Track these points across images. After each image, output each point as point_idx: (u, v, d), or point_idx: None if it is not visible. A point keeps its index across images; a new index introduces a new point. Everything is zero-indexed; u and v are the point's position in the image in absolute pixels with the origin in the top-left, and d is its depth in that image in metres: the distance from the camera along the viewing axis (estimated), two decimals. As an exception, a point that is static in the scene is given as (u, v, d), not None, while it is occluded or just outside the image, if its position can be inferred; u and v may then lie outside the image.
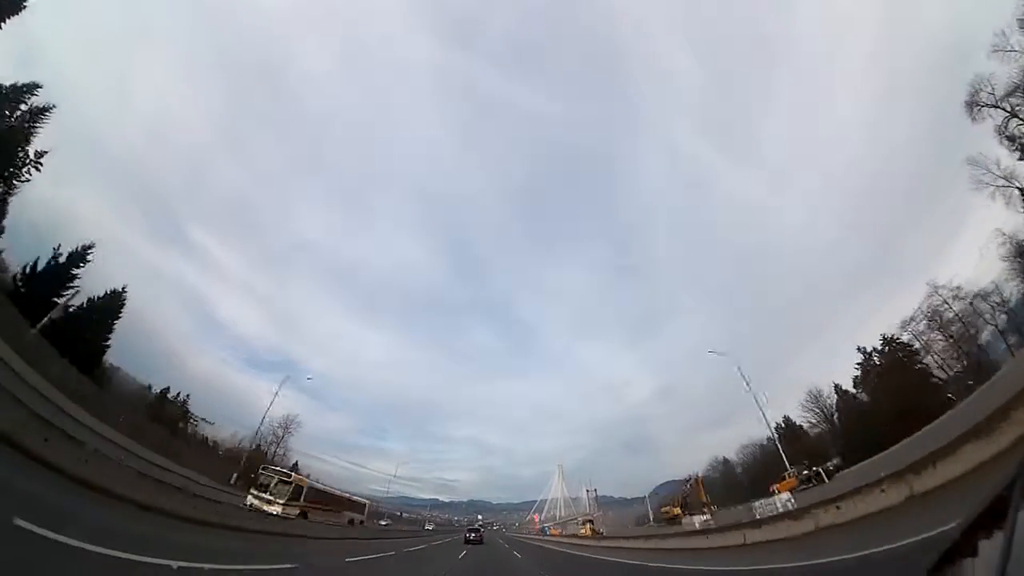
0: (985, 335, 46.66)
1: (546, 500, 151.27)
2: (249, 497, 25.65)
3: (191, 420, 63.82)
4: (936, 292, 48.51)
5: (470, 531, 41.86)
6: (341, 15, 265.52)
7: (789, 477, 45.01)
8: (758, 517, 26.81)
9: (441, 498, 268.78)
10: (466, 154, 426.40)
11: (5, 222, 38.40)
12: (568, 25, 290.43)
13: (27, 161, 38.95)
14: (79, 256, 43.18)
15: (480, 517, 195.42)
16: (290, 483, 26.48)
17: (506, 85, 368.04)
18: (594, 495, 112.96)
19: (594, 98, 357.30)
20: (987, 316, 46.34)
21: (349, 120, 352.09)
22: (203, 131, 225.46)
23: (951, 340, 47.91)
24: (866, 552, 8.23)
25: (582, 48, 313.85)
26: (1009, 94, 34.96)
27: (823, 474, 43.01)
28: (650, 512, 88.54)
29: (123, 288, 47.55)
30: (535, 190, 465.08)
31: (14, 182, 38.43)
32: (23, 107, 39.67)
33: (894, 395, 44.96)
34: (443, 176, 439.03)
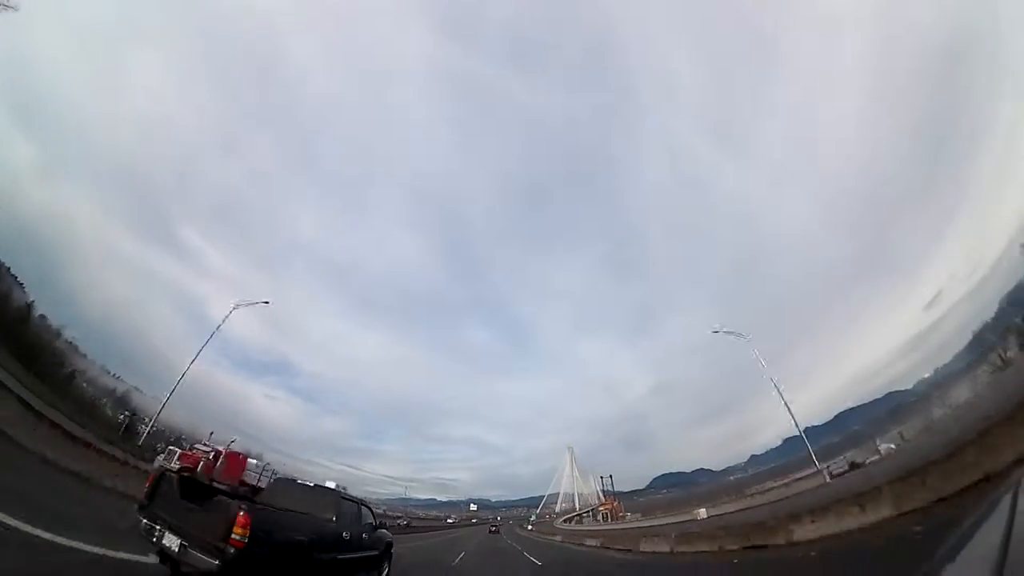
0: None
1: (556, 494, 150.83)
2: None
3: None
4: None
5: (492, 525, 78.36)
6: (337, 9, 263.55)
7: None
8: None
9: (439, 498, 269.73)
10: (465, 151, 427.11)
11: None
12: (568, 22, 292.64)
13: None
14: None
15: (474, 507, 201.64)
16: None
17: (505, 81, 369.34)
18: (610, 483, 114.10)
19: (594, 95, 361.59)
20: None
21: (346, 117, 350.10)
22: (195, 129, 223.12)
23: None
24: None
25: (582, 45, 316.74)
26: None
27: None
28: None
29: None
30: (534, 187, 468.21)
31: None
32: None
33: None
34: (441, 174, 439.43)
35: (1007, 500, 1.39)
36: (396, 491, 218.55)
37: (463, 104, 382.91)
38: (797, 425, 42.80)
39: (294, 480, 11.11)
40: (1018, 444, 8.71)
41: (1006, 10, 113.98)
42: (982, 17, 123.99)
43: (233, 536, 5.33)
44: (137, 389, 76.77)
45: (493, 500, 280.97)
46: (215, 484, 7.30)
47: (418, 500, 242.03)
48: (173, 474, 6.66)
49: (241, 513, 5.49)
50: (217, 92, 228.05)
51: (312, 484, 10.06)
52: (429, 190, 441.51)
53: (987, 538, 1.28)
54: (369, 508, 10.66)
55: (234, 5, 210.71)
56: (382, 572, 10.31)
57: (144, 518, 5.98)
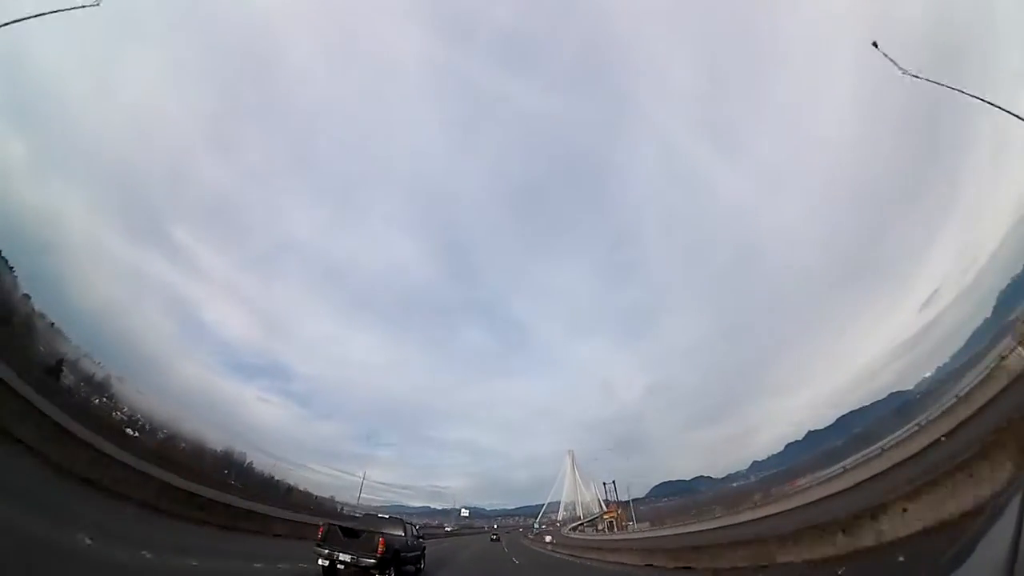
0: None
1: (556, 502, 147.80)
2: None
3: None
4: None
5: (494, 534, 79.78)
6: (333, 6, 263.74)
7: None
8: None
9: (433, 505, 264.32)
10: (462, 153, 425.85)
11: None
12: (565, 22, 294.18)
13: None
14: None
15: (466, 512, 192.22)
16: None
17: (502, 81, 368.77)
18: (612, 490, 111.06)
19: (590, 96, 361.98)
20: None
21: (341, 116, 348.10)
22: (188, 126, 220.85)
23: None
24: None
25: (578, 46, 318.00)
26: None
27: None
28: None
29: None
30: (531, 189, 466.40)
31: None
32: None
33: None
34: (438, 175, 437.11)
35: (1016, 503, 1.29)
36: (391, 497, 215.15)
37: (460, 104, 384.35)
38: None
39: (375, 514, 19.46)
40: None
41: (1000, 11, 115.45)
42: (976, 17, 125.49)
43: (379, 548, 12.47)
44: (120, 379, 75.07)
45: (488, 509, 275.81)
46: (361, 528, 14.15)
47: (412, 508, 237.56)
48: (335, 524, 13.79)
49: (381, 539, 12.82)
50: (211, 89, 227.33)
51: (387, 516, 18.63)
52: (425, 191, 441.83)
53: (996, 543, 1.21)
54: (414, 526, 19.25)
55: (229, 1, 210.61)
56: (421, 563, 17.70)
57: (325, 548, 12.45)
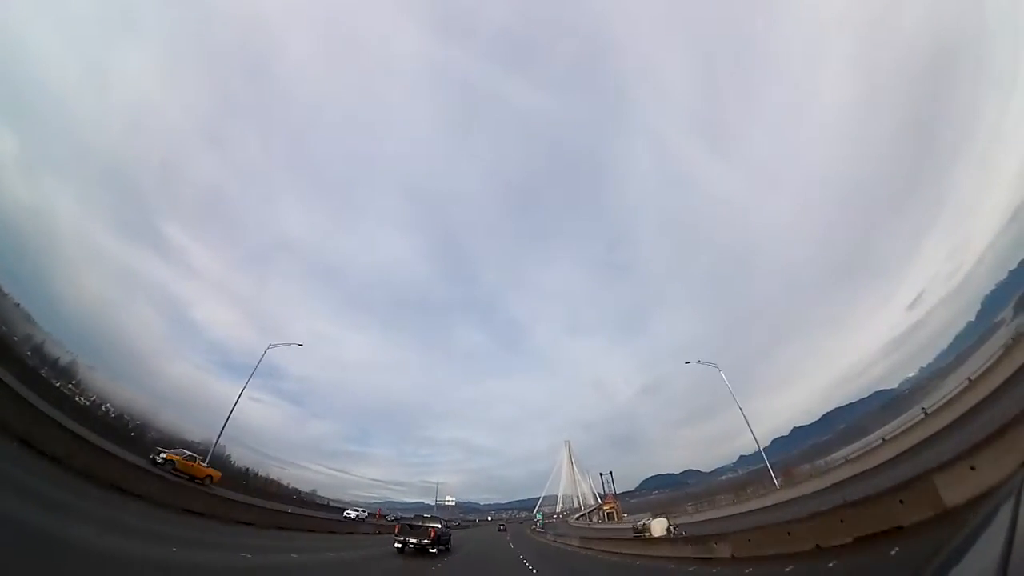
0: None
1: (552, 496, 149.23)
2: None
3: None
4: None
5: (501, 525, 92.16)
6: (331, 2, 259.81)
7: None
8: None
9: (426, 501, 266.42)
10: (457, 150, 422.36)
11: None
12: (561, 23, 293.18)
13: None
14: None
15: (451, 500, 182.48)
16: None
17: (498, 81, 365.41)
18: (610, 481, 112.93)
19: (587, 95, 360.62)
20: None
21: (336, 114, 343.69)
22: (182, 122, 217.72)
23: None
24: None
25: (574, 47, 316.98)
26: None
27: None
28: None
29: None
30: (527, 187, 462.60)
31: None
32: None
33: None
34: (433, 172, 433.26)
35: (1007, 508, 1.29)
36: (384, 494, 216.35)
37: (458, 102, 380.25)
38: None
39: (422, 515, 29.19)
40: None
41: (992, 15, 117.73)
42: (969, 22, 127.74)
43: (431, 535, 22.39)
44: (91, 367, 74.45)
45: (482, 504, 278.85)
46: (419, 524, 24.80)
47: (406, 503, 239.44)
48: (407, 520, 29.62)
49: (432, 529, 23.06)
50: (207, 84, 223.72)
51: (428, 515, 29.96)
52: (422, 189, 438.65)
53: (987, 549, 1.20)
54: (445, 520, 33.46)
55: None
56: (449, 544, 26.39)
57: (400, 536, 22.64)
